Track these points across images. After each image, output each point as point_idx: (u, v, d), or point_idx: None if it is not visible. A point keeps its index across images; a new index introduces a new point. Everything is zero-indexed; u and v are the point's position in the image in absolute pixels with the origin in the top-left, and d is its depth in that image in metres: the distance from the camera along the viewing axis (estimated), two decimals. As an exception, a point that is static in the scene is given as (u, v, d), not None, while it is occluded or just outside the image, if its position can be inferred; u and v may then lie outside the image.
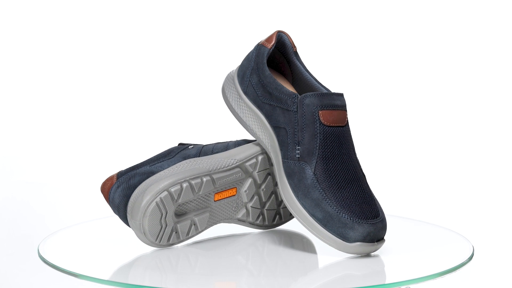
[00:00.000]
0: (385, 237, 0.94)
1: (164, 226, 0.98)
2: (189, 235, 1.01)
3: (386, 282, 0.85)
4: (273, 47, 1.02)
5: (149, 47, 1.64)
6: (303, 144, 0.95)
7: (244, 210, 1.04)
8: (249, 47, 1.06)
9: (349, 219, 0.91)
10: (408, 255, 0.97)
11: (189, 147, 1.05)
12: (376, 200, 0.95)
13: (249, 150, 1.02)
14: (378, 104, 1.61)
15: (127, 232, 1.05)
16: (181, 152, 1.04)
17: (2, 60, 1.62)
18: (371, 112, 1.61)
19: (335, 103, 0.95)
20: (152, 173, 1.01)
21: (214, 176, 1.00)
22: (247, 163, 1.02)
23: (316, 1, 1.61)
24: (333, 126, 0.94)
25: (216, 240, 1.04)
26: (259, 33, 1.15)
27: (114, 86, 1.63)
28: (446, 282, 1.45)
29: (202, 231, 1.02)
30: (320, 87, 1.01)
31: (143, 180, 1.01)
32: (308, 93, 0.95)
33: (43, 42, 1.62)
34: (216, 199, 1.01)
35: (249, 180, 1.03)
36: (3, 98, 1.62)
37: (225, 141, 1.06)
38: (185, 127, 1.61)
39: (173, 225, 0.99)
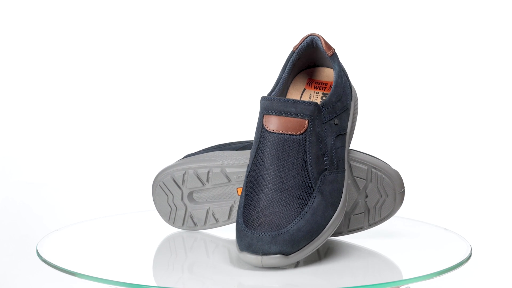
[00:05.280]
0: (294, 254, 0.87)
1: (174, 208, 1.02)
2: (207, 224, 1.01)
3: (385, 281, 0.85)
4: (297, 50, 0.99)
5: (171, 45, 1.64)
6: (252, 148, 0.92)
7: None
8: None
9: (241, 227, 0.87)
10: (406, 255, 0.97)
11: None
12: (306, 216, 0.87)
13: None
14: (377, 105, 1.61)
15: (126, 232, 1.05)
16: (236, 144, 1.05)
17: (2, 60, 1.63)
18: (371, 112, 1.61)
19: (285, 109, 0.89)
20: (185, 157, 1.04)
21: (227, 170, 1.00)
22: None
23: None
24: (278, 133, 0.89)
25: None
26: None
27: (114, 86, 1.63)
28: (444, 281, 1.45)
29: (226, 224, 1.01)
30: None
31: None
32: (264, 96, 0.91)
33: (43, 42, 1.63)
34: (240, 193, 1.01)
35: None
36: (3, 98, 1.63)
37: None
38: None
39: (185, 209, 1.01)
